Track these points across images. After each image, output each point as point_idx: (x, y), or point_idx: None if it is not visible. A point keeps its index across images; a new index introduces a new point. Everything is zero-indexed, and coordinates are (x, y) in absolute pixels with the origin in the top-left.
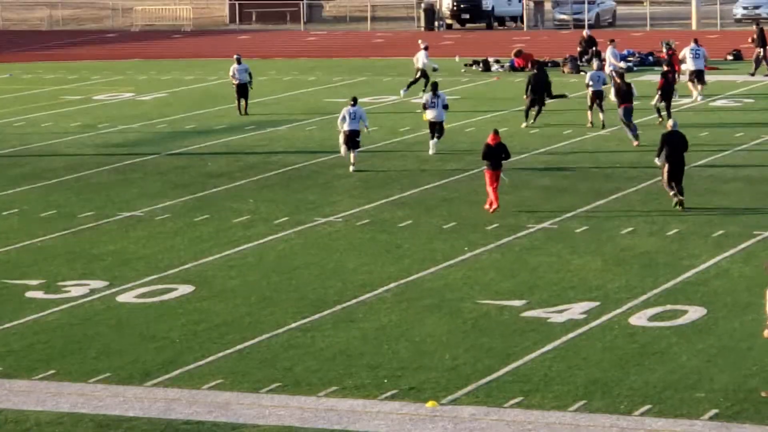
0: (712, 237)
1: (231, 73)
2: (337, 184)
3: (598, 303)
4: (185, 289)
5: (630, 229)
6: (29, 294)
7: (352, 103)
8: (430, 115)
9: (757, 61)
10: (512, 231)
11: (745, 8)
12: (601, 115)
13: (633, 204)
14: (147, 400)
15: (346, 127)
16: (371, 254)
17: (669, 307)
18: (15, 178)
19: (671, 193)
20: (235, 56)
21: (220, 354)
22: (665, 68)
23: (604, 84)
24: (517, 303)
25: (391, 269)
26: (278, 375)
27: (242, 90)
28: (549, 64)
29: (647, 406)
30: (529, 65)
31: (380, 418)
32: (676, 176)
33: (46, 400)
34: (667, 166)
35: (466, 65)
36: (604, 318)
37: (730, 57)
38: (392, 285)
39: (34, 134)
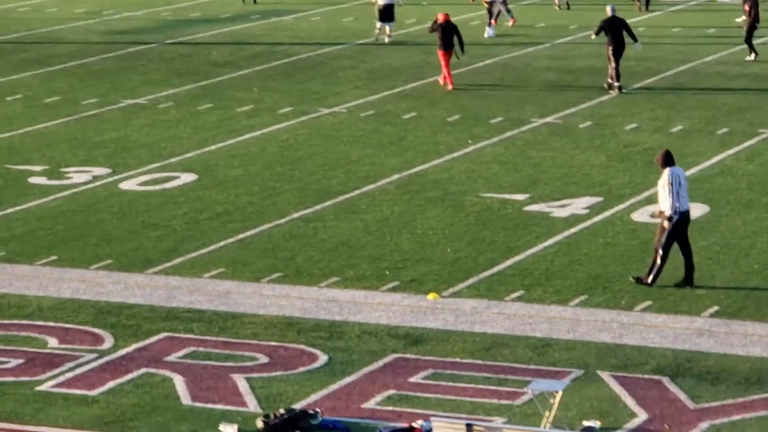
0: (717, 134)
1: None
2: (341, 74)
3: (600, 198)
4: (188, 177)
5: (634, 125)
6: (32, 180)
7: None
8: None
9: None
10: (516, 125)
11: None
12: None
13: (637, 100)
14: (148, 287)
15: (381, 1)
16: (375, 146)
17: None
18: (19, 64)
19: (608, 81)
20: None
21: (222, 243)
22: None
23: None
24: (519, 197)
25: (395, 161)
26: (280, 265)
27: None
28: None
29: (648, 302)
30: None
31: (381, 310)
32: (616, 55)
33: (48, 286)
34: (611, 48)
35: None
36: (607, 213)
37: None
38: (395, 177)
39: (38, 20)
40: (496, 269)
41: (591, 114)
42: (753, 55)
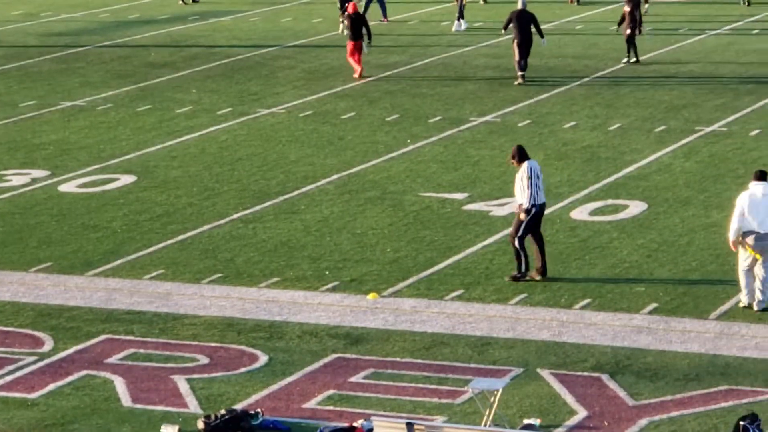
0: (654, 132)
1: None
2: (280, 75)
3: None
4: (127, 179)
5: (572, 123)
6: None
7: None
8: None
9: None
10: (455, 124)
11: None
12: None
13: (575, 98)
14: (88, 289)
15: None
16: (314, 146)
17: (610, 201)
18: None
19: (519, 74)
20: None
21: (162, 244)
22: None
23: None
24: (459, 196)
25: (334, 161)
26: (220, 266)
27: None
28: None
29: (587, 300)
30: None
31: (321, 310)
32: (525, 51)
33: None
34: (517, 41)
35: None
36: (546, 212)
37: None
38: (335, 177)
39: None
40: (435, 268)
41: (530, 112)
42: (633, 57)
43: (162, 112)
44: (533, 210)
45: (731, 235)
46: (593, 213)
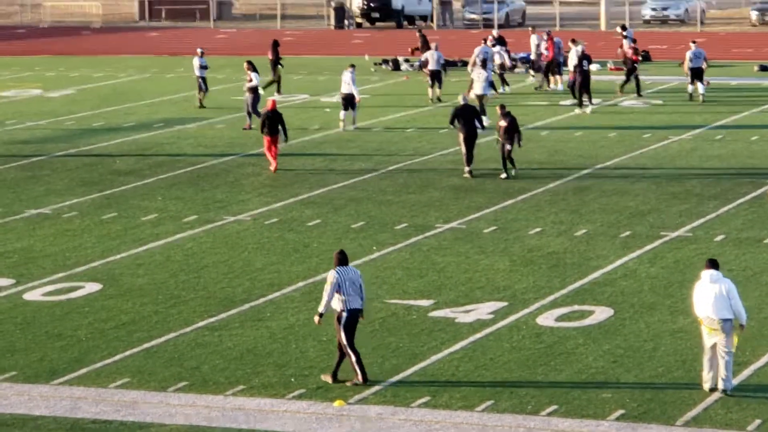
0: (620, 238)
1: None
2: (245, 182)
3: (505, 303)
4: (92, 287)
5: (538, 229)
6: None
7: (352, 68)
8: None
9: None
10: (420, 231)
11: (653, 9)
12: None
13: (541, 204)
14: (53, 398)
15: (344, 90)
16: (279, 253)
17: (576, 307)
18: None
19: (466, 169)
20: (198, 50)
21: (127, 352)
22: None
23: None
24: (424, 303)
25: (300, 268)
26: (185, 374)
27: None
28: (459, 64)
29: (554, 407)
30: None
31: (287, 417)
32: (468, 142)
33: None
34: (463, 133)
35: (375, 64)
36: (512, 318)
37: (638, 58)
38: (300, 284)
39: None
40: (401, 375)
41: (495, 218)
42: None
43: (127, 219)
44: (344, 315)
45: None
46: (559, 319)
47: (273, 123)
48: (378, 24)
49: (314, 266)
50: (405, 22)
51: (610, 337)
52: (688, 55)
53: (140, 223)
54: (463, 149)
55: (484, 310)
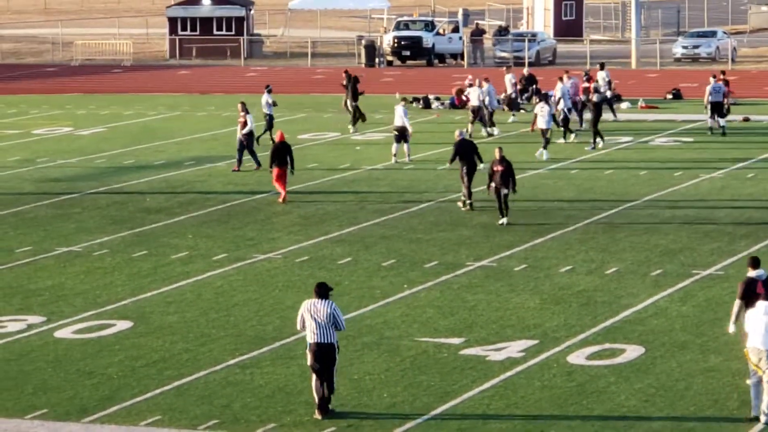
0: (651, 276)
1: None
2: (275, 220)
3: (536, 341)
4: (123, 325)
5: (568, 267)
6: None
7: (403, 102)
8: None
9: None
10: (451, 269)
11: (684, 48)
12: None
13: (571, 242)
14: None
15: (397, 123)
16: (310, 291)
17: (607, 345)
18: None
19: (462, 199)
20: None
21: (158, 390)
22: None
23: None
24: (455, 341)
25: None
26: (216, 412)
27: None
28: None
29: None
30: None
31: None
32: (469, 176)
33: None
34: (464, 168)
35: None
36: (543, 356)
37: (669, 96)
38: None
39: None
40: (432, 413)
41: (526, 257)
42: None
43: (158, 257)
44: (306, 348)
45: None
46: (590, 357)
47: (282, 154)
48: (409, 62)
49: (345, 304)
50: (436, 61)
51: (642, 375)
52: (708, 89)
53: (170, 261)
54: (465, 182)
55: (514, 348)
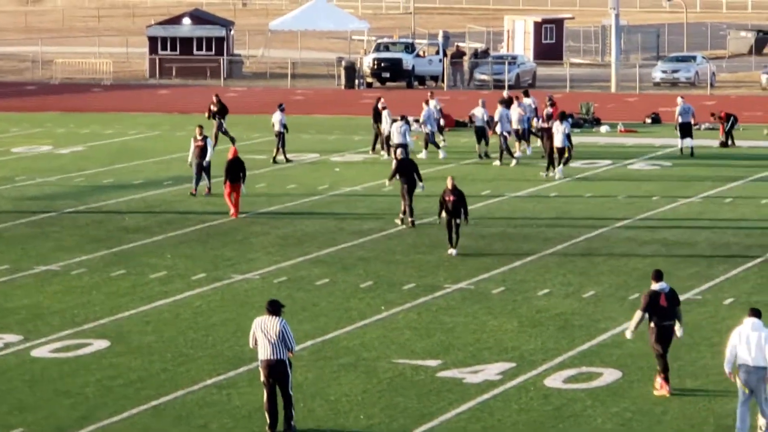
0: (628, 300)
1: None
2: (254, 241)
3: (513, 364)
4: (101, 344)
5: (546, 290)
6: None
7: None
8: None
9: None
10: (429, 291)
11: (663, 72)
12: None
13: (549, 266)
14: None
15: (395, 141)
16: (288, 312)
17: (584, 369)
18: None
19: (401, 216)
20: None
21: (135, 410)
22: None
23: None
24: (432, 363)
25: (308, 327)
26: None
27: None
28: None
29: None
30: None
31: None
32: (410, 193)
33: None
34: (405, 186)
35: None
36: (520, 379)
37: (648, 120)
38: (308, 343)
39: None
40: None
41: (504, 279)
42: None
43: (136, 277)
44: (263, 365)
45: (726, 368)
46: (567, 380)
47: (234, 170)
48: (388, 84)
49: (322, 325)
50: (416, 83)
51: (619, 399)
52: (677, 110)
53: (149, 280)
54: (406, 200)
55: (492, 370)
